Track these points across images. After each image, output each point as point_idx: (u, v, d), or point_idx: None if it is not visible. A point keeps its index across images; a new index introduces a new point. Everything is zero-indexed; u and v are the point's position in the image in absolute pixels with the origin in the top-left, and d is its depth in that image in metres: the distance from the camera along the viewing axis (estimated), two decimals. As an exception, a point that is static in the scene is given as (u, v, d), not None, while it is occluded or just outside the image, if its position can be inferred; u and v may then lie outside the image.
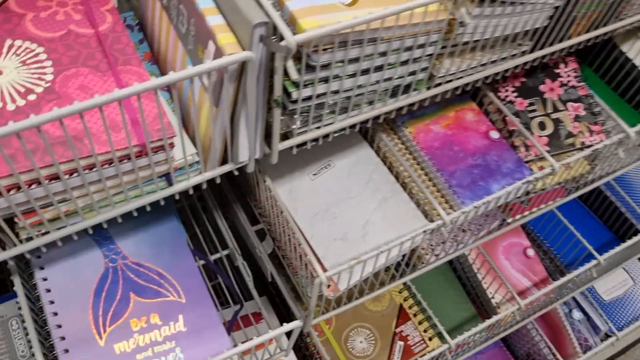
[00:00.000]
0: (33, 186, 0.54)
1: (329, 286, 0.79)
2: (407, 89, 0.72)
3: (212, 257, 0.93)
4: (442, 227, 0.80)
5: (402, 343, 0.96)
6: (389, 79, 0.68)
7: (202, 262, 0.88)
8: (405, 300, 1.01)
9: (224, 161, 0.65)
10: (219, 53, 0.54)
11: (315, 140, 0.70)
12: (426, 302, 1.00)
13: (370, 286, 0.88)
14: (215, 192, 0.98)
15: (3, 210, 0.54)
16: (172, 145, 0.59)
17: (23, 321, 0.75)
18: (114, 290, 0.72)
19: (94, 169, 0.56)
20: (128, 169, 0.58)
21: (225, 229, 0.93)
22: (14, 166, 0.50)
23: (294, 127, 0.66)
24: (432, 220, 0.83)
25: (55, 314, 0.69)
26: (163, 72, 0.70)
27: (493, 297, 1.10)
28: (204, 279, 0.76)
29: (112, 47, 0.63)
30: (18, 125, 0.45)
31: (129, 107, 0.58)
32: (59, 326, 0.68)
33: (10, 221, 0.57)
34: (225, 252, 0.94)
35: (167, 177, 0.62)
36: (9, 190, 0.53)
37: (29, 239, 0.59)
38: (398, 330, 0.98)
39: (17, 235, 0.59)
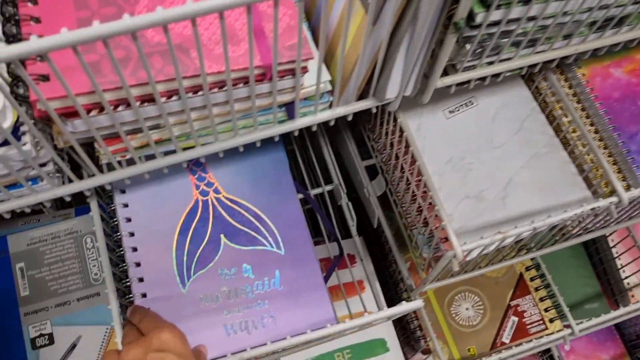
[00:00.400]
0: (120, 108, 0.40)
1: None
2: (619, 23, 0.52)
3: (313, 192, 0.79)
4: (615, 205, 0.62)
5: (515, 319, 0.82)
6: (606, 6, 0.48)
7: (299, 195, 0.75)
8: (527, 270, 0.86)
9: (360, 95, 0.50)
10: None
11: (482, 79, 0.53)
12: (551, 276, 0.85)
13: (497, 257, 0.73)
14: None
15: (81, 134, 0.41)
16: (305, 70, 0.43)
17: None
18: (203, 229, 0.59)
19: (200, 93, 0.41)
20: (242, 96, 0.43)
21: (331, 161, 0.79)
22: (98, 81, 0.37)
23: (462, 59, 0.48)
24: (596, 192, 0.65)
25: (135, 249, 0.58)
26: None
27: (626, 278, 0.93)
28: (310, 230, 0.62)
29: None
30: (107, 29, 0.30)
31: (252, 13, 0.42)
32: (138, 265, 0.57)
33: (89, 145, 0.44)
34: (328, 188, 0.80)
35: (289, 109, 0.47)
36: (89, 111, 0.39)
37: (111, 167, 0.47)
38: (513, 303, 0.83)
39: (96, 160, 0.46)
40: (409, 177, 0.68)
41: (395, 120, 0.66)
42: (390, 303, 0.94)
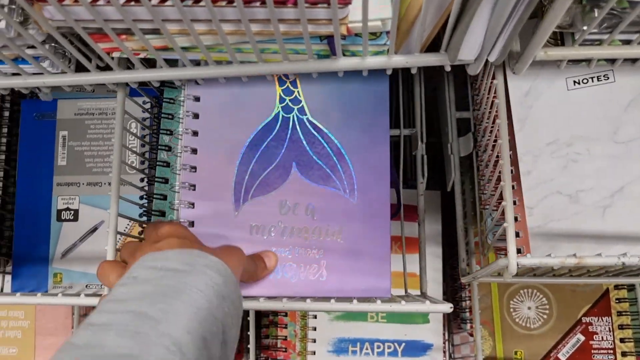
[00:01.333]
0: (100, 1, 0.32)
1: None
2: None
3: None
4: None
5: (582, 338, 0.70)
6: None
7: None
8: (616, 288, 0.71)
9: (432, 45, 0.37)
10: None
11: (612, 60, 0.38)
12: (646, 303, 0.70)
13: (579, 269, 0.60)
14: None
15: (62, 22, 0.34)
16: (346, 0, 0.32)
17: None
18: (276, 150, 0.52)
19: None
20: (260, 17, 0.33)
21: (420, 102, 0.66)
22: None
23: (583, 29, 0.34)
24: None
25: (195, 151, 0.51)
26: None
27: None
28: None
29: None
30: None
31: None
32: (194, 169, 0.51)
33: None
34: (406, 132, 0.68)
35: (331, 42, 0.37)
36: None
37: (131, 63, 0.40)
38: (586, 320, 0.70)
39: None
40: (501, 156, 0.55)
41: (493, 85, 0.53)
42: (453, 270, 0.84)
